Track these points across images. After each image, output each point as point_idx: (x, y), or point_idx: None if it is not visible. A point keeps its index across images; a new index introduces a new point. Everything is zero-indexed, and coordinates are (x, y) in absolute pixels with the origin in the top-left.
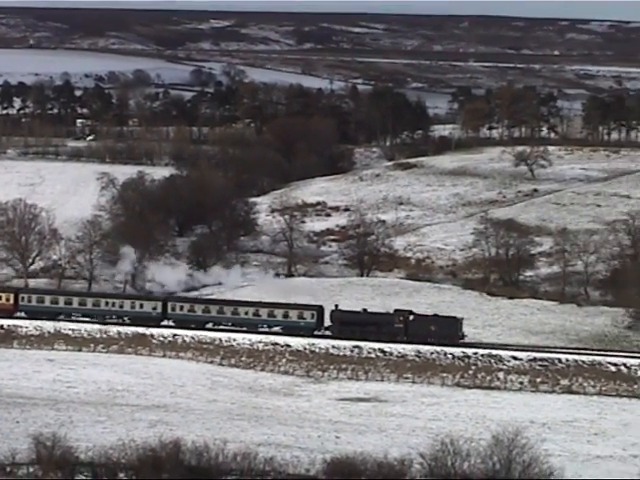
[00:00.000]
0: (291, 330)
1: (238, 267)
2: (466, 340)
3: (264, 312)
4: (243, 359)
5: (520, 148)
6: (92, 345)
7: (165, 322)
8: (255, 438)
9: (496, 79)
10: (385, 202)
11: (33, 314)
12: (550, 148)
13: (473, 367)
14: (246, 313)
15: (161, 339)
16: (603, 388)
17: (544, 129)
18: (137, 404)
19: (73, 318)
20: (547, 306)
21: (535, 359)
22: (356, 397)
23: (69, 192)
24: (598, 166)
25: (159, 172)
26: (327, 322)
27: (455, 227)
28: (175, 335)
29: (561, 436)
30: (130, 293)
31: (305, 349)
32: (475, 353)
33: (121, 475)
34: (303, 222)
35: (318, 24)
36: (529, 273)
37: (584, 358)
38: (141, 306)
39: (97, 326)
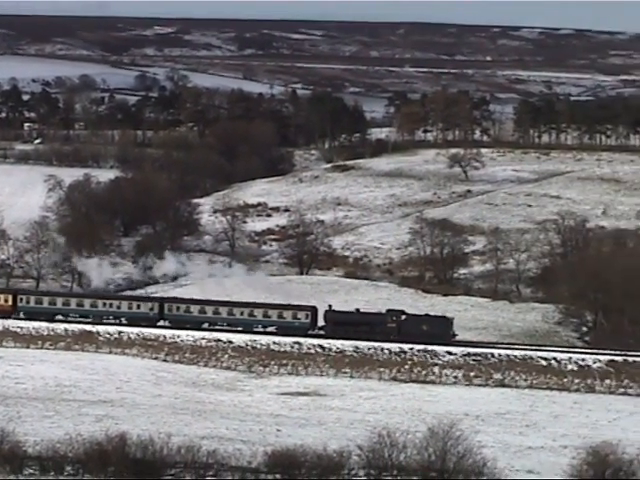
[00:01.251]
0: (285, 330)
1: (203, 259)
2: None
3: (259, 313)
4: (187, 355)
5: (454, 150)
6: (40, 342)
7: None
8: (198, 432)
9: (431, 84)
10: (324, 203)
11: (31, 315)
12: (483, 150)
13: (409, 362)
14: (241, 313)
15: (107, 336)
16: (534, 381)
17: (477, 132)
18: (84, 399)
19: (70, 318)
20: (480, 303)
21: (469, 354)
22: (296, 391)
23: (17, 194)
24: (529, 168)
25: (105, 174)
26: (321, 322)
27: (391, 227)
28: (120, 332)
29: (494, 428)
30: (127, 294)
31: (247, 345)
32: (411, 348)
33: (68, 468)
34: (244, 222)
35: (259, 30)
36: (463, 271)
37: (516, 353)
38: (138, 307)
39: (45, 324)
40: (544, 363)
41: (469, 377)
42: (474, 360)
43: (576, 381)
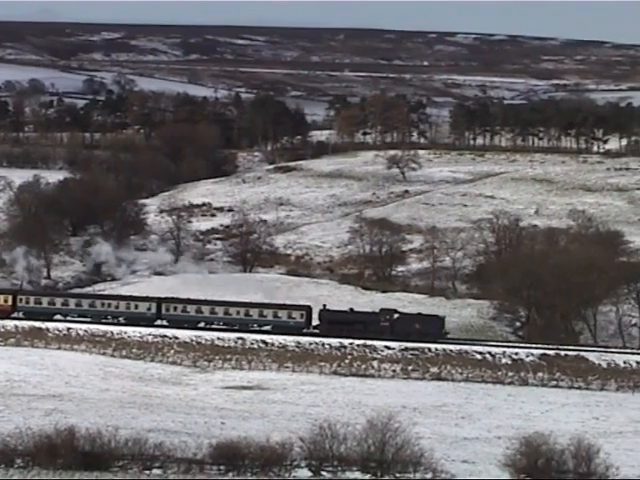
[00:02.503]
0: (281, 329)
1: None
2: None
3: (255, 312)
4: (134, 351)
5: (392, 152)
6: None
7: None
8: (145, 425)
9: (370, 88)
10: (266, 203)
11: (30, 315)
12: (420, 152)
13: (349, 356)
14: (237, 313)
15: (56, 332)
16: (470, 375)
17: (414, 134)
18: (33, 394)
19: (69, 318)
20: (417, 299)
21: (407, 349)
22: (240, 385)
23: None
24: (464, 169)
25: (54, 176)
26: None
27: (332, 226)
28: (69, 328)
29: (431, 420)
30: (125, 294)
31: (192, 341)
32: (351, 343)
33: (18, 461)
34: (190, 222)
35: (203, 36)
36: (401, 268)
37: (452, 347)
38: (136, 307)
39: None
40: (479, 357)
41: (407, 371)
42: (412, 354)
43: (510, 374)
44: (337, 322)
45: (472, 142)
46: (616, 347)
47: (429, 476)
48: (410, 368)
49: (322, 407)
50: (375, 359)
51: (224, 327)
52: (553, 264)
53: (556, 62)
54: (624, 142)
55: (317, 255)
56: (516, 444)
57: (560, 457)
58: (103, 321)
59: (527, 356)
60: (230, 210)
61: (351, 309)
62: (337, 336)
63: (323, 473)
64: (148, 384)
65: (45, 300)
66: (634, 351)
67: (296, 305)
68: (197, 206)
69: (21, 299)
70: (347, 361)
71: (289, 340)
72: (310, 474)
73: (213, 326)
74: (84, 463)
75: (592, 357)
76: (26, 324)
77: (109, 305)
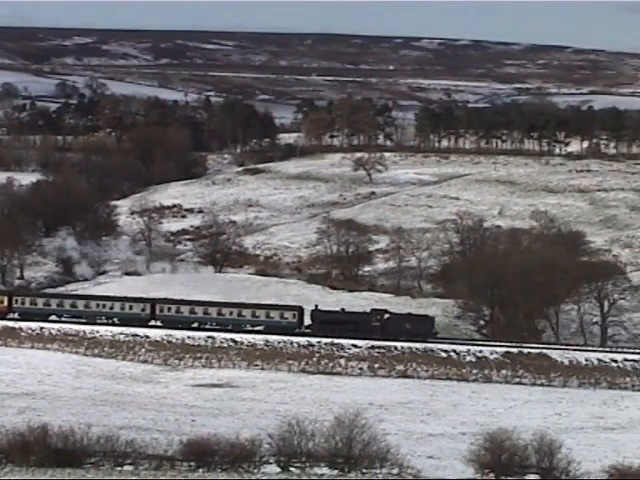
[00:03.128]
0: (273, 329)
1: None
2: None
3: (247, 313)
4: (106, 349)
5: (359, 154)
6: None
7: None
8: (117, 422)
9: (337, 92)
10: (236, 204)
11: (26, 315)
12: (386, 154)
13: (317, 354)
14: (231, 313)
15: (29, 332)
16: (435, 372)
17: (380, 137)
18: (7, 392)
19: (64, 319)
20: (384, 298)
21: (373, 347)
22: (210, 383)
23: None
24: (430, 171)
25: (27, 178)
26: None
27: (300, 227)
28: (42, 328)
29: (397, 416)
30: (120, 296)
31: (163, 339)
32: (319, 342)
33: None
34: (160, 223)
35: (173, 41)
36: (367, 268)
37: (417, 345)
38: (130, 307)
39: None
40: (444, 355)
41: (373, 368)
42: (378, 352)
43: (474, 371)
44: (329, 322)
45: (437, 145)
46: (578, 345)
47: (395, 471)
48: (377, 366)
49: (290, 404)
50: (342, 357)
51: (217, 327)
52: (516, 264)
53: (519, 66)
54: (585, 145)
55: (285, 255)
56: (480, 440)
57: (523, 452)
58: (98, 321)
59: (491, 354)
60: (200, 211)
61: (342, 309)
62: (329, 336)
63: (291, 469)
64: (120, 382)
65: (40, 301)
66: (595, 349)
67: (288, 305)
68: (168, 207)
69: (17, 300)
70: (315, 359)
71: (258, 339)
72: (279, 470)
73: (206, 326)
74: (57, 460)
75: (554, 355)
76: None
77: (104, 306)
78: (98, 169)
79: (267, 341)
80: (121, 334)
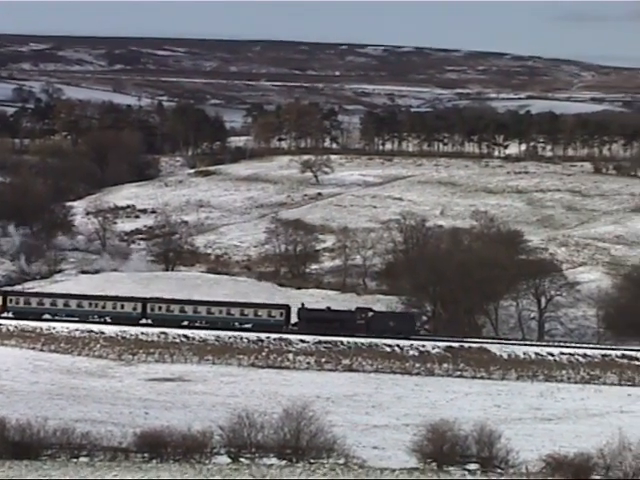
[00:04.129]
0: (261, 327)
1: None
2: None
3: (236, 311)
4: (62, 345)
5: (306, 157)
6: None
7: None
8: (73, 415)
9: (285, 96)
10: (187, 205)
11: (20, 314)
12: (332, 157)
13: (266, 349)
14: (220, 312)
15: None
16: (379, 366)
17: (327, 140)
18: None
19: (57, 318)
20: (330, 295)
21: (320, 342)
22: (163, 377)
23: None
24: (374, 172)
25: None
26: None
27: (249, 227)
28: (0, 324)
29: (343, 409)
30: (112, 295)
31: (117, 335)
32: (267, 337)
33: None
34: (115, 223)
35: (127, 47)
36: (314, 266)
37: (363, 340)
38: (122, 307)
39: None
40: (388, 349)
41: (320, 363)
42: (325, 347)
43: (417, 365)
44: (315, 320)
45: (381, 147)
46: (516, 339)
47: (342, 461)
48: (323, 360)
49: (240, 397)
50: (290, 352)
51: (206, 326)
52: (457, 262)
53: (459, 72)
54: (523, 147)
55: (235, 254)
56: (423, 431)
57: (464, 442)
58: (90, 320)
59: (433, 348)
60: (153, 212)
61: (328, 308)
62: (315, 333)
63: (241, 460)
64: (76, 377)
65: (34, 300)
66: (533, 343)
67: (276, 304)
68: (122, 208)
69: (11, 299)
70: (264, 354)
71: (209, 334)
72: (229, 461)
73: (196, 324)
74: (14, 453)
75: (494, 349)
76: None
77: (96, 305)
78: (54, 171)
79: (217, 337)
80: (77, 330)
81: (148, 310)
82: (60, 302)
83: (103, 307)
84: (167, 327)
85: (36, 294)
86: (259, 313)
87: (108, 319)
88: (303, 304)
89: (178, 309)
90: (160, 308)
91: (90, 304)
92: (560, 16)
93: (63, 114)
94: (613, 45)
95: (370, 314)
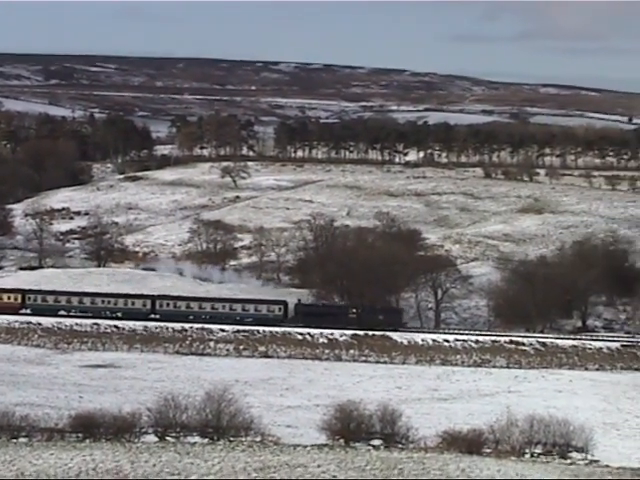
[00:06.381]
0: (261, 321)
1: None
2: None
3: (238, 306)
4: (2, 335)
5: (225, 163)
6: None
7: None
8: (13, 400)
9: (206, 109)
10: (118, 207)
11: (38, 311)
12: (249, 163)
13: (189, 338)
14: (223, 307)
15: None
16: (292, 352)
17: (244, 148)
18: None
19: (72, 314)
20: (247, 289)
21: (239, 331)
22: (95, 364)
23: None
24: (287, 177)
25: None
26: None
27: (174, 227)
28: None
29: (259, 391)
30: (123, 293)
31: (53, 326)
32: (191, 327)
33: None
34: (51, 224)
35: (62, 64)
36: (233, 262)
37: (277, 329)
38: (133, 303)
39: None
40: (300, 337)
41: (239, 350)
42: (243, 336)
43: (326, 352)
44: (310, 314)
45: (293, 155)
46: (415, 328)
47: (258, 439)
48: (242, 347)
49: (166, 382)
50: (212, 340)
51: (207, 320)
52: (362, 258)
53: (364, 87)
54: (421, 154)
55: (162, 252)
56: (332, 411)
57: (369, 421)
58: (102, 316)
59: (341, 336)
60: (86, 214)
61: (323, 303)
62: (311, 326)
63: (168, 438)
64: (15, 365)
65: (51, 298)
66: (430, 330)
67: (274, 300)
68: (57, 210)
69: (29, 297)
70: (188, 342)
71: (138, 325)
72: (156, 440)
73: (193, 319)
74: None
75: (395, 336)
76: None
77: (109, 302)
78: None
79: (145, 327)
80: (16, 322)
81: (157, 306)
82: (75, 299)
83: (115, 304)
84: (174, 322)
85: (53, 292)
86: (259, 308)
87: (119, 315)
88: (300, 300)
89: (185, 305)
90: (168, 304)
91: (103, 301)
92: (454, 36)
93: (3, 124)
94: (501, 63)
95: (361, 309)
